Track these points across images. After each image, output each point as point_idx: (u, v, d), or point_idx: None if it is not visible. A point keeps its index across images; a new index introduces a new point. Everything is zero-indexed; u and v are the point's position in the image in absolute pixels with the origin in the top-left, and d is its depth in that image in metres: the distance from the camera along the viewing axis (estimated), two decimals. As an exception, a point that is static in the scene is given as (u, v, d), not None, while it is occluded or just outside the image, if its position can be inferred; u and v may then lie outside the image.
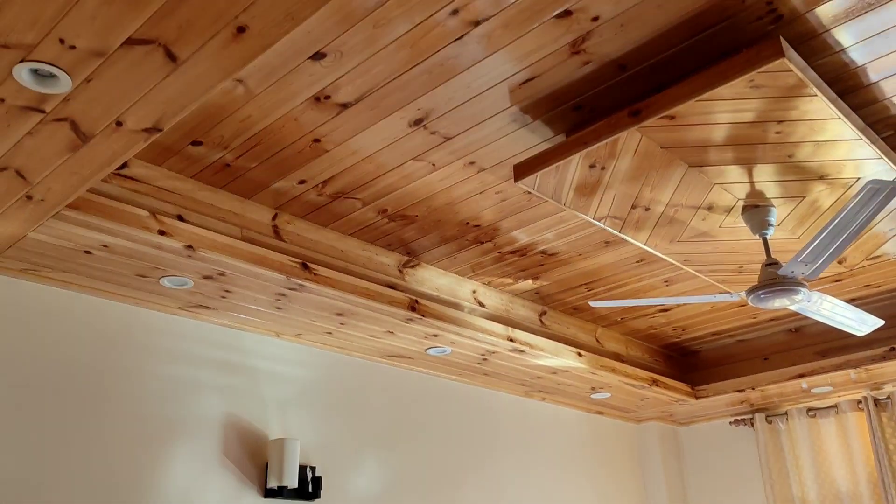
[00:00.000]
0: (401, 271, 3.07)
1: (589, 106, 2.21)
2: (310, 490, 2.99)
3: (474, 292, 3.38)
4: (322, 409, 3.22)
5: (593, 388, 4.11)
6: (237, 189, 2.57)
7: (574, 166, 2.26)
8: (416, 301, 2.97)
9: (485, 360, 3.54)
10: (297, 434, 3.07)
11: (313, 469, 3.05)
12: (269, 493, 2.87)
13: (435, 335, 3.17)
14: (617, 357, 4.02)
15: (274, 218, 2.69)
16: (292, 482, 2.83)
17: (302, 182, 2.55)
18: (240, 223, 2.57)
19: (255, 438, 2.93)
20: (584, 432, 4.52)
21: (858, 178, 2.36)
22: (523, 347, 3.40)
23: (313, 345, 3.27)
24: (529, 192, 2.65)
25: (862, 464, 4.10)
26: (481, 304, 3.38)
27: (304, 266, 2.64)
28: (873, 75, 2.10)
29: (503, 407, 4.08)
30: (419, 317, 2.96)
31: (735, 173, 2.34)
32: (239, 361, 2.99)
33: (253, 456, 2.90)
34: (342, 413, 3.29)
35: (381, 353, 3.43)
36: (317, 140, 2.32)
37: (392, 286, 2.98)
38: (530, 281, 3.42)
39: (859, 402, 4.18)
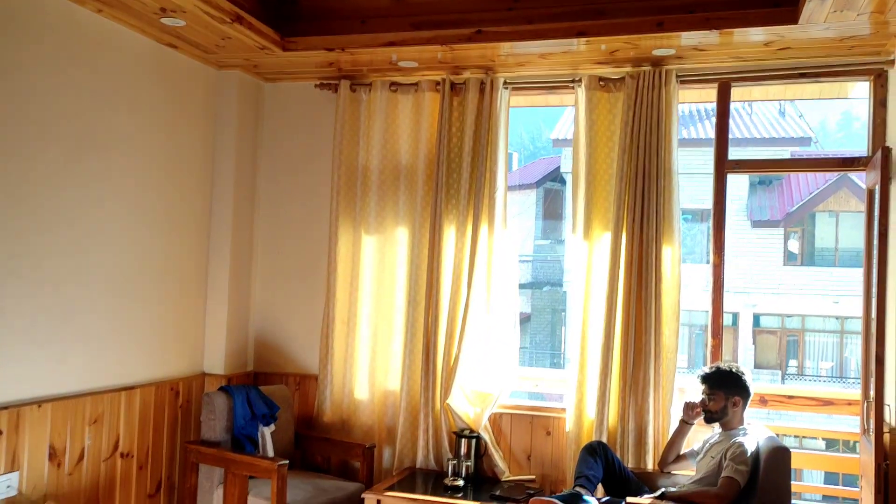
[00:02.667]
0: None
1: None
2: None
3: None
4: None
5: (164, 10, 3.42)
6: None
7: None
8: None
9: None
10: None
11: None
12: None
13: None
14: (198, -22, 3.34)
15: None
16: None
17: None
18: None
19: None
20: (152, 66, 3.87)
21: None
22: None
23: None
24: None
25: (425, 142, 4.26)
26: None
27: None
28: None
29: (43, 10, 3.20)
30: None
31: None
32: None
33: None
34: None
35: None
36: None
37: None
38: None
39: (438, 83, 4.23)
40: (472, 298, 4.04)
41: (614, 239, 3.86)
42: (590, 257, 3.97)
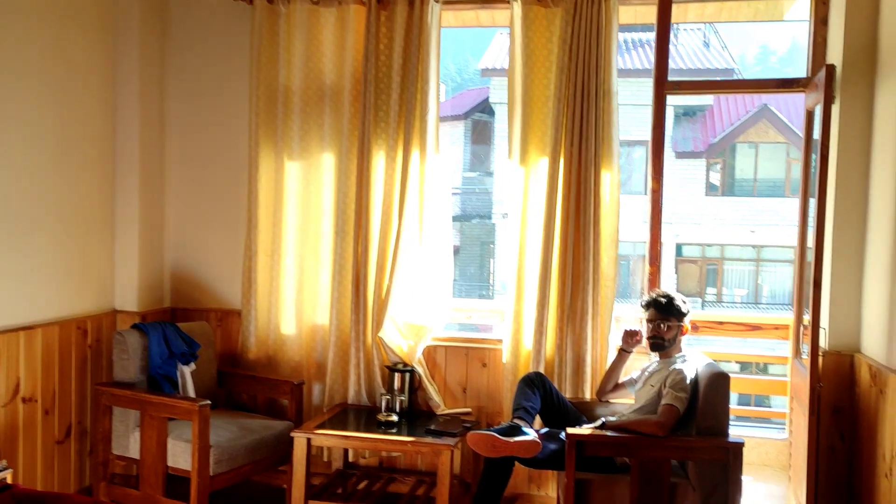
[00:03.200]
0: None
1: None
2: None
3: None
4: None
5: None
6: None
7: None
8: None
9: None
10: None
11: None
12: None
13: None
14: None
15: None
16: None
17: None
18: None
19: None
20: (36, -34, 3.42)
21: None
22: None
23: None
24: None
25: (351, 60, 3.95)
26: None
27: None
28: None
29: None
30: None
31: None
32: None
33: None
34: None
35: None
36: None
37: None
38: None
39: (364, -5, 3.91)
40: (404, 228, 3.83)
41: (552, 164, 3.70)
42: (527, 183, 3.81)
